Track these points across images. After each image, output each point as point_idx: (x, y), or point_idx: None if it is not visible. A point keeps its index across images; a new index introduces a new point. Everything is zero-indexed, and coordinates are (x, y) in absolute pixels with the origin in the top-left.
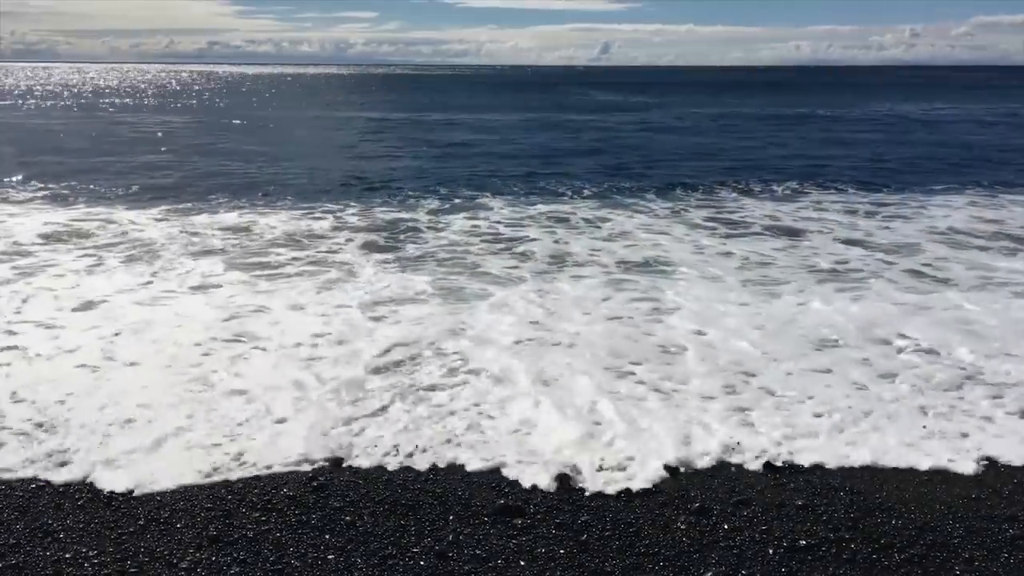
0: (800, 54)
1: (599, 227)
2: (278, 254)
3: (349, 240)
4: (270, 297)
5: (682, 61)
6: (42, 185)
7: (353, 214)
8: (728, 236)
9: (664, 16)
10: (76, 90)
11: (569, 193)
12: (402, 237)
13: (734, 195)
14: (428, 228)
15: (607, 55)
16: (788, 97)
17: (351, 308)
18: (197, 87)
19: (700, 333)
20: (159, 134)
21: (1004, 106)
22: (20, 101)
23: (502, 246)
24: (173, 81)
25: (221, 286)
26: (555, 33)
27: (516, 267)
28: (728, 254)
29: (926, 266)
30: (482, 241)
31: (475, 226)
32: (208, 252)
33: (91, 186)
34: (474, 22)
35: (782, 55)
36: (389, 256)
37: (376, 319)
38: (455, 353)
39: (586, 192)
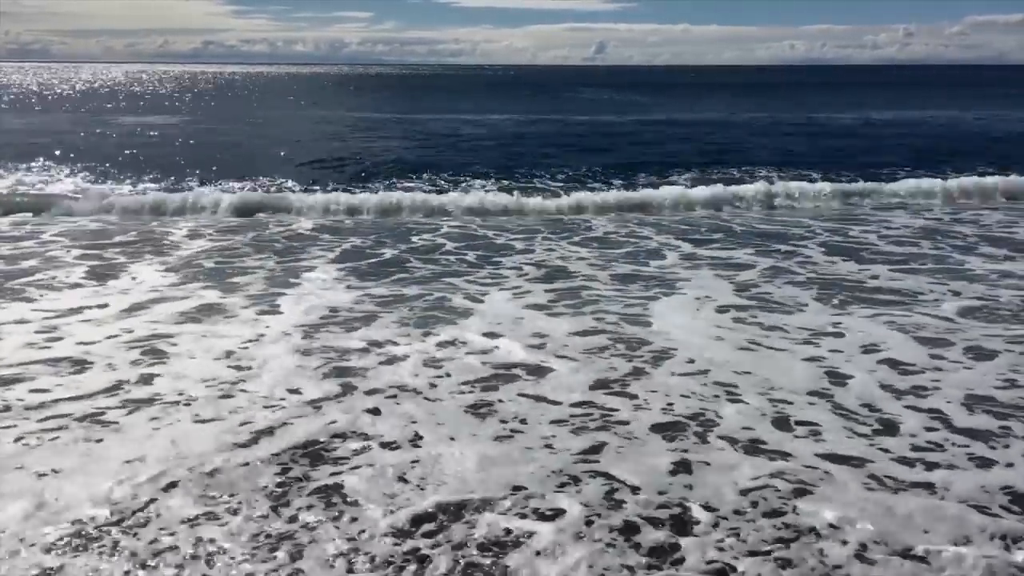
0: (795, 53)
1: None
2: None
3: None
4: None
5: (677, 60)
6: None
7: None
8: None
9: (659, 16)
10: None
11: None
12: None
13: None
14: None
15: (602, 55)
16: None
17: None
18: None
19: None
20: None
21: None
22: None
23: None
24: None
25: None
26: (550, 33)
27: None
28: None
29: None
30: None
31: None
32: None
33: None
34: (469, 22)
35: (777, 54)
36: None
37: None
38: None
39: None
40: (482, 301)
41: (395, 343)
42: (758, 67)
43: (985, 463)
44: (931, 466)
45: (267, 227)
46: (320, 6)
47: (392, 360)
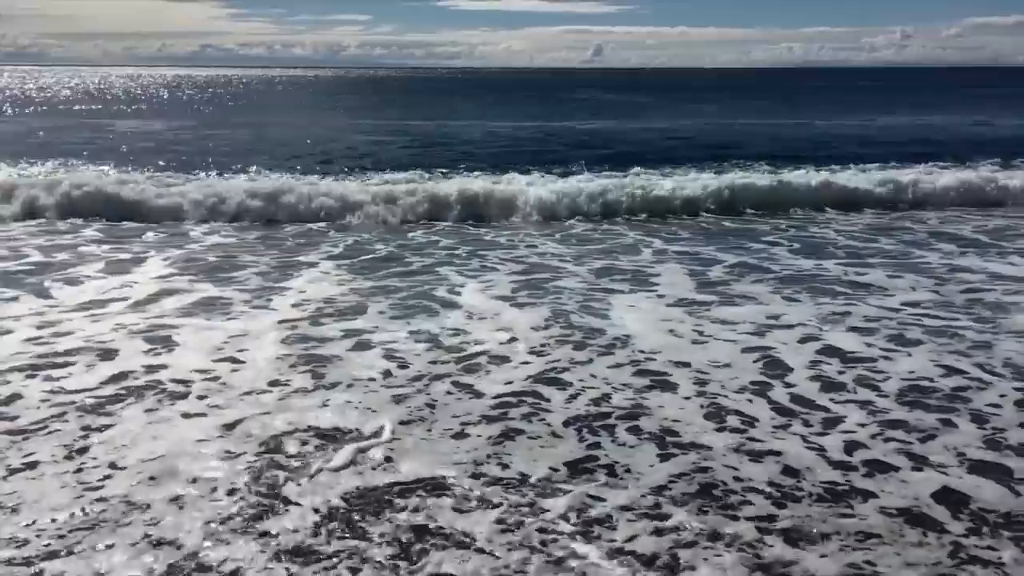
0: (792, 56)
1: None
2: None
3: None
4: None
5: (675, 63)
6: None
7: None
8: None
9: (657, 19)
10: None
11: None
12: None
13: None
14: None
15: (600, 57)
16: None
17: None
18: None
19: None
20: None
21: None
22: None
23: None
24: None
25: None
26: (548, 35)
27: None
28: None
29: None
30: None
31: None
32: None
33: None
34: (467, 24)
35: (774, 57)
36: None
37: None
38: None
39: None
40: (459, 294)
41: (371, 331)
42: (758, 70)
43: (913, 457)
44: (847, 464)
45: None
46: (318, 9)
47: (362, 347)
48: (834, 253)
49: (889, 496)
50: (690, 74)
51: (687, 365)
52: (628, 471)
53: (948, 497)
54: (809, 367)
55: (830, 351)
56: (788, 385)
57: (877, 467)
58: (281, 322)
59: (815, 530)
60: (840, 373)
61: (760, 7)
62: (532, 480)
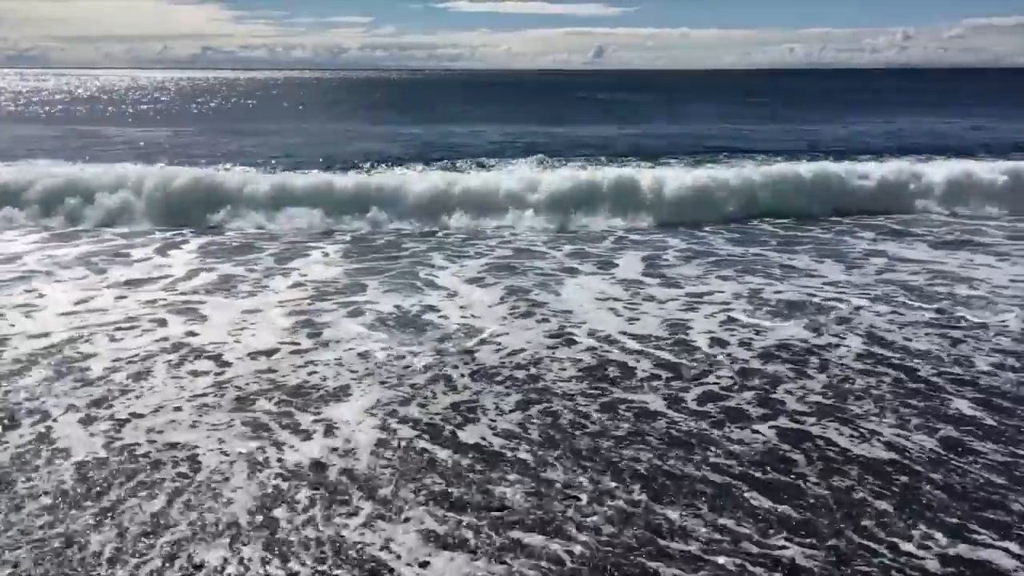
0: (794, 57)
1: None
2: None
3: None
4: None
5: (676, 64)
6: None
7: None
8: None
9: (658, 20)
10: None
11: None
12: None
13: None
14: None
15: (601, 59)
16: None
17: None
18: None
19: None
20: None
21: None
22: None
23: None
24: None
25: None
26: (549, 37)
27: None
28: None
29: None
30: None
31: None
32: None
33: None
34: (468, 26)
35: (776, 58)
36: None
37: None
38: None
39: None
40: (438, 276)
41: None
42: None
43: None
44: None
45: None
46: (319, 11)
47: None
48: (766, 241)
49: (738, 444)
50: (690, 75)
51: (601, 330)
52: (493, 411)
53: (795, 439)
54: (704, 333)
55: (730, 320)
56: (679, 345)
57: (731, 414)
58: None
59: (667, 479)
60: (731, 335)
61: (761, 8)
62: (423, 374)
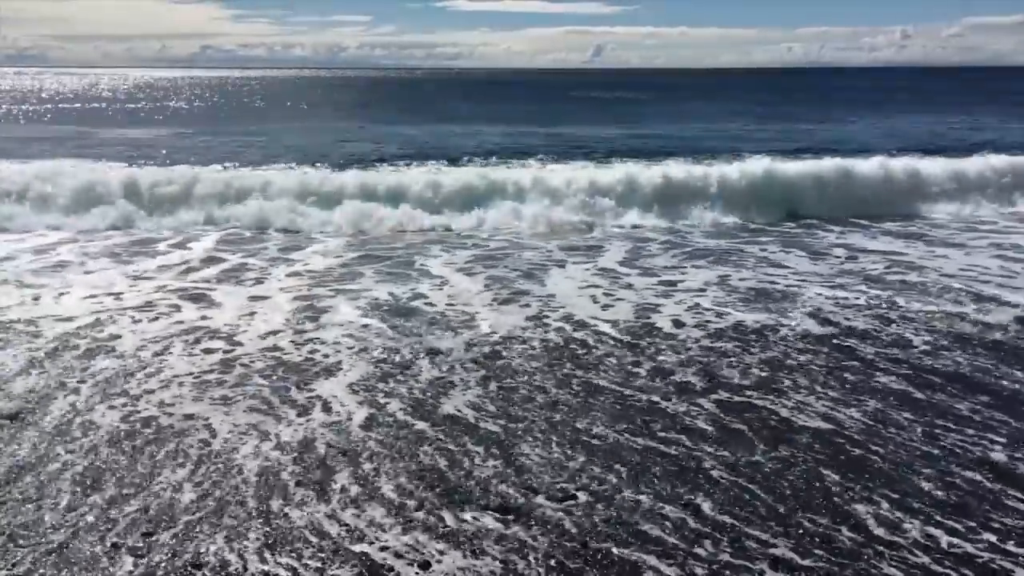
0: (792, 56)
1: None
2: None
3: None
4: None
5: (675, 63)
6: None
7: None
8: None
9: (657, 19)
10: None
11: None
12: None
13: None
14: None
15: (600, 58)
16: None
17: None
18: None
19: None
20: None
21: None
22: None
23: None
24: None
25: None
26: (548, 36)
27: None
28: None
29: None
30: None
31: None
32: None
33: None
34: (467, 25)
35: (774, 57)
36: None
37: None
38: None
39: None
40: (429, 263)
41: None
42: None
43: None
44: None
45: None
46: (319, 10)
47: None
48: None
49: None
50: (689, 74)
51: (574, 314)
52: (461, 386)
53: (735, 409)
54: (668, 316)
55: (697, 307)
56: (642, 328)
57: (678, 388)
58: None
59: (614, 448)
60: (692, 315)
61: (760, 7)
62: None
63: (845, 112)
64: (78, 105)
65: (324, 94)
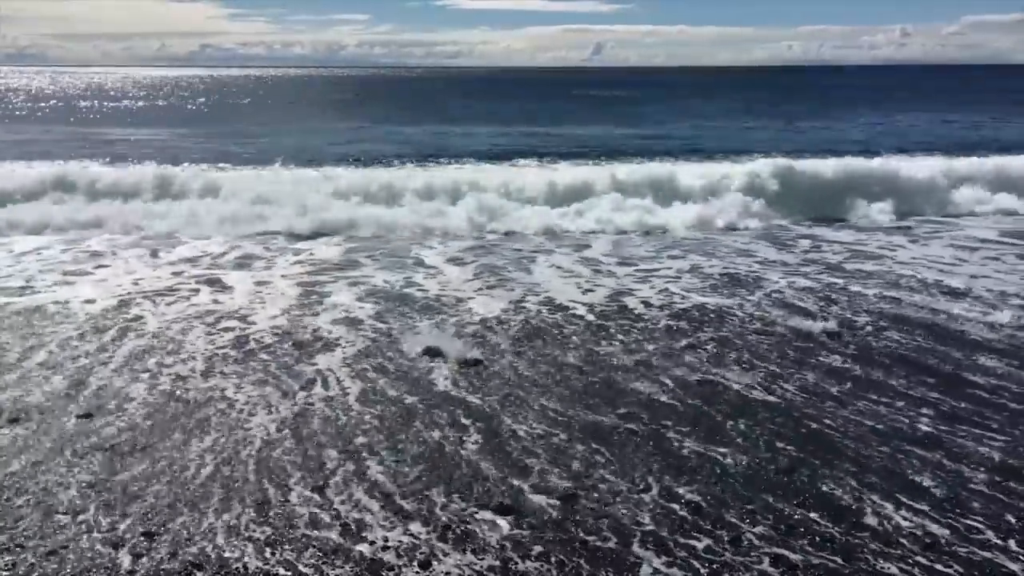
0: (792, 54)
1: None
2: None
3: None
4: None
5: (674, 62)
6: None
7: None
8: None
9: (656, 18)
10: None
11: None
12: None
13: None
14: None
15: (599, 56)
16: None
17: None
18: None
19: None
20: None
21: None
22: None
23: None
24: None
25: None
26: (547, 35)
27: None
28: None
29: None
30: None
31: None
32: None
33: None
34: (466, 24)
35: (774, 55)
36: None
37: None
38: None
39: None
40: (425, 254)
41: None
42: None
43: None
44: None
45: None
46: (317, 9)
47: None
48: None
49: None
50: (688, 72)
51: (555, 299)
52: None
53: (700, 386)
54: (642, 300)
55: (667, 292)
56: (617, 311)
57: (639, 364)
58: None
59: (574, 421)
60: (665, 299)
61: (759, 5)
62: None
63: (844, 111)
64: (108, 104)
65: (363, 92)
